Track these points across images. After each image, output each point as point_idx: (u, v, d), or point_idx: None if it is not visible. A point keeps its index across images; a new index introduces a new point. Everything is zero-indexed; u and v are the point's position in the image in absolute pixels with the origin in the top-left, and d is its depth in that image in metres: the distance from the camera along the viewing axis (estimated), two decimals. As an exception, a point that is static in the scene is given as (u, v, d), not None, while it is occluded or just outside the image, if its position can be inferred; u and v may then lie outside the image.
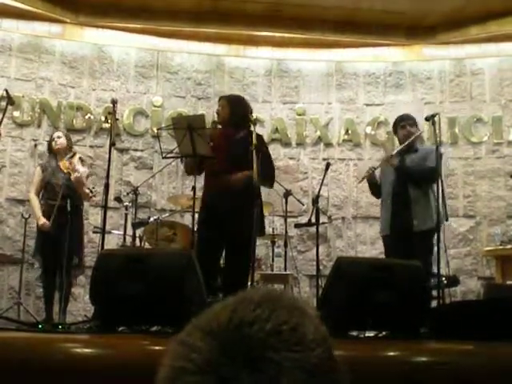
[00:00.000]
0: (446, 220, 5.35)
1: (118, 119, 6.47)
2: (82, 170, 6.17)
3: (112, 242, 7.34)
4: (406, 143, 5.70)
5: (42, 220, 6.12)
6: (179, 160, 5.69)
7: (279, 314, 0.73)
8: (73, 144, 6.66)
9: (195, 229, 5.02)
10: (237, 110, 5.26)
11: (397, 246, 5.61)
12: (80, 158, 6.36)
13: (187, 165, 5.21)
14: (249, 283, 4.99)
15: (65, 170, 6.13)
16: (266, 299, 0.75)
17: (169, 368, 0.73)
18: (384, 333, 3.72)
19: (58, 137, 6.37)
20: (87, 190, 6.18)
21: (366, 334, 3.78)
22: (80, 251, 6.23)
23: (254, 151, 4.74)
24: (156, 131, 7.55)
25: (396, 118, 6.16)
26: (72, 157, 6.22)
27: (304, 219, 7.42)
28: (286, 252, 7.02)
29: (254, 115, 8.09)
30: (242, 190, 4.82)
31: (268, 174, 5.11)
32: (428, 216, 5.57)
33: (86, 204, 6.70)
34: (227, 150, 4.98)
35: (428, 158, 5.65)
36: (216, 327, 0.72)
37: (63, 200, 5.94)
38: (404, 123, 5.87)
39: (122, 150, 8.29)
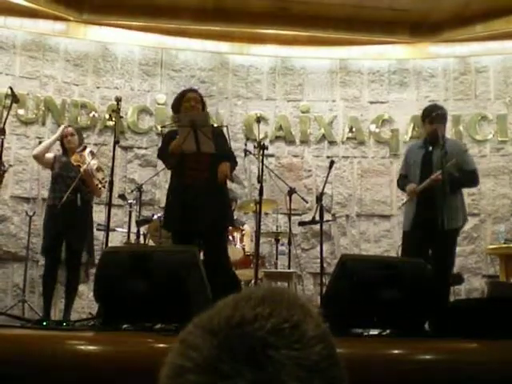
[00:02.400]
0: (466, 220, 5.37)
1: (122, 117, 6.46)
2: (92, 162, 6.12)
3: (116, 239, 7.36)
4: (428, 182, 5.39)
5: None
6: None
7: (280, 311, 0.73)
8: (83, 138, 6.63)
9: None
10: (206, 105, 5.20)
11: (419, 243, 5.48)
12: (91, 151, 6.31)
13: (169, 162, 5.12)
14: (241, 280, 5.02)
15: (75, 164, 6.09)
16: (267, 297, 0.75)
17: (170, 366, 0.73)
18: (388, 331, 3.72)
19: (72, 134, 6.31)
20: (96, 182, 6.12)
21: (370, 332, 3.78)
22: (90, 247, 6.19)
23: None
24: (160, 129, 7.55)
25: (426, 108, 5.86)
26: (83, 150, 6.19)
27: (308, 217, 7.43)
28: (289, 250, 7.02)
29: (258, 113, 8.17)
30: (213, 183, 4.78)
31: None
32: (457, 214, 5.45)
33: (93, 202, 6.65)
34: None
35: (462, 159, 5.54)
36: (217, 325, 0.72)
37: (73, 194, 5.90)
38: (431, 119, 5.56)
39: (126, 148, 8.31)
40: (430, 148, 5.58)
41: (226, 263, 4.93)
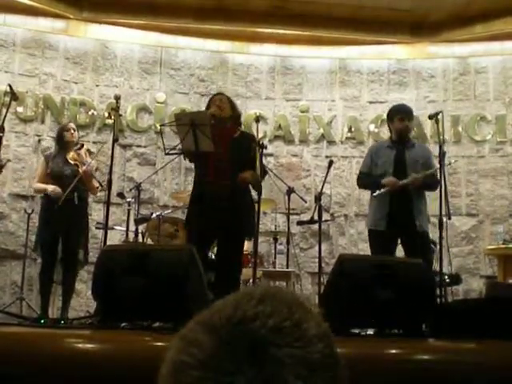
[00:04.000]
0: (449, 219, 5.32)
1: (121, 115, 6.47)
2: (92, 163, 6.11)
3: (114, 237, 7.35)
4: (411, 180, 5.37)
5: (51, 186, 6.00)
6: (182, 156, 5.64)
7: (281, 310, 0.73)
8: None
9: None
10: (237, 109, 5.27)
11: (391, 243, 5.50)
12: (88, 149, 6.30)
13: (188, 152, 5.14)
14: (241, 280, 5.02)
15: (72, 162, 6.07)
16: (268, 295, 0.75)
17: (170, 363, 0.73)
18: (385, 330, 3.72)
19: (74, 129, 6.30)
20: (96, 184, 6.12)
21: (368, 332, 3.78)
22: (85, 245, 6.19)
23: (258, 151, 4.80)
24: (159, 127, 7.56)
25: (394, 106, 5.95)
26: (80, 148, 6.17)
27: (306, 216, 7.42)
28: (288, 249, 7.02)
29: (257, 112, 8.16)
30: (242, 189, 4.86)
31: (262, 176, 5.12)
32: (426, 216, 5.51)
33: (88, 200, 6.64)
34: (228, 147, 4.95)
35: (428, 162, 5.59)
36: (218, 322, 0.72)
37: (70, 192, 5.88)
38: (404, 116, 5.63)
39: (125, 146, 8.30)
40: (401, 148, 5.62)
41: (237, 274, 4.95)
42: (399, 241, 5.53)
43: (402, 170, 5.50)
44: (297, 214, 7.91)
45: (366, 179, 5.78)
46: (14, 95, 5.64)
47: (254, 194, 5.07)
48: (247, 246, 6.88)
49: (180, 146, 5.06)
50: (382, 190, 5.42)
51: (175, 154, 5.37)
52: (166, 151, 5.21)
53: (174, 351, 0.74)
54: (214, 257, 5.54)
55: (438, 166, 5.36)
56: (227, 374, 0.68)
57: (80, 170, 5.97)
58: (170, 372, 0.73)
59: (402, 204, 5.40)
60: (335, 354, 0.75)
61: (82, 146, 6.25)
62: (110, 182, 5.29)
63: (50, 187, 6.00)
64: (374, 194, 5.52)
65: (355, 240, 8.43)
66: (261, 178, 4.91)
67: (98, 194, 6.46)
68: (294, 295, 0.78)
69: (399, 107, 5.89)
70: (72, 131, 6.24)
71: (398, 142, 5.65)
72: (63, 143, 6.24)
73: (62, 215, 5.88)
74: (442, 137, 5.42)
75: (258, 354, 0.69)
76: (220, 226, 4.80)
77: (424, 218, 5.46)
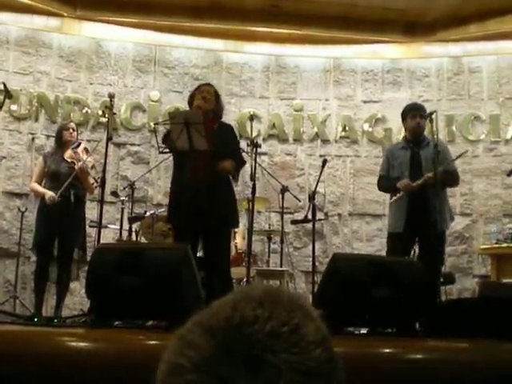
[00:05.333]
0: (452, 219, 5.38)
1: (115, 113, 6.44)
2: (88, 160, 6.10)
3: (108, 236, 7.34)
4: (424, 179, 5.37)
5: (49, 193, 5.94)
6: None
7: (280, 314, 0.72)
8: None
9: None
10: (221, 102, 5.22)
11: (408, 244, 5.50)
12: (85, 148, 6.29)
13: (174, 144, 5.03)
14: (234, 279, 5.01)
15: (69, 160, 6.07)
16: (268, 298, 0.74)
17: (167, 364, 0.72)
18: (379, 329, 3.72)
19: (74, 129, 6.31)
20: (92, 180, 6.11)
21: (362, 331, 3.78)
22: (83, 243, 6.17)
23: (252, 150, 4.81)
24: (153, 126, 7.54)
25: (407, 105, 5.98)
26: (77, 146, 6.16)
27: (300, 215, 7.43)
28: (282, 248, 7.02)
29: (251, 111, 8.16)
30: (222, 181, 4.83)
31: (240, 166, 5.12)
32: (446, 215, 5.47)
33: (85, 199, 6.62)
34: (211, 141, 4.88)
35: (447, 158, 5.58)
36: (215, 324, 0.71)
37: (67, 190, 5.88)
38: (415, 113, 5.64)
39: (118, 145, 8.29)
40: (416, 148, 5.63)
41: (226, 267, 4.93)
42: (417, 239, 5.55)
43: (417, 171, 5.52)
44: (291, 212, 7.92)
45: (385, 183, 5.81)
46: (7, 93, 5.62)
47: (247, 190, 5.08)
48: (241, 244, 6.90)
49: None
50: (398, 195, 5.45)
51: (169, 152, 5.35)
52: (160, 150, 5.20)
53: (171, 352, 0.73)
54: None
55: (455, 158, 5.44)
56: (222, 379, 0.67)
57: (76, 168, 5.97)
58: (166, 373, 0.72)
59: (420, 203, 5.38)
60: (333, 358, 0.74)
61: (80, 144, 6.25)
62: (103, 180, 5.28)
63: (47, 195, 5.99)
64: (391, 201, 5.56)
65: (349, 239, 8.44)
66: (239, 168, 4.98)
67: (94, 191, 6.43)
68: (294, 297, 0.77)
69: (411, 105, 5.95)
70: (71, 131, 6.27)
71: (412, 141, 5.66)
72: (61, 142, 6.25)
73: (58, 214, 5.87)
74: (436, 136, 5.43)
75: (255, 360, 0.68)
76: (201, 222, 4.77)
77: (442, 216, 5.38)
